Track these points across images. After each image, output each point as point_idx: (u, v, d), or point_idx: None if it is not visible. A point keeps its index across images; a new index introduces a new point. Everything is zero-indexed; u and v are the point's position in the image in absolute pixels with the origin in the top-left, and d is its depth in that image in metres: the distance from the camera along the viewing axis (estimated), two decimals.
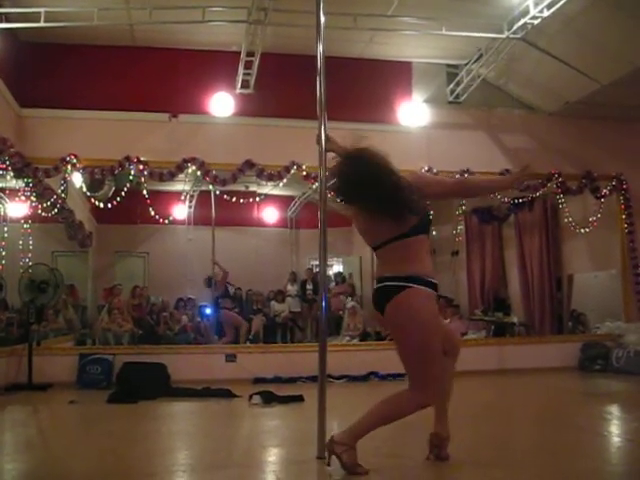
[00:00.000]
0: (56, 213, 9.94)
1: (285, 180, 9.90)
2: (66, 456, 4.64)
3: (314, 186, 10.10)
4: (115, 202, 9.75)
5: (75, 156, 9.16)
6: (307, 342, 11.57)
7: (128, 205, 9.90)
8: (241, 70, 9.80)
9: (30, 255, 9.21)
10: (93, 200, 9.93)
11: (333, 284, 13.46)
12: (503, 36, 9.14)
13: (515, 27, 8.89)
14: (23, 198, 9.25)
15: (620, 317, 10.53)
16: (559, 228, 12.05)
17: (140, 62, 10.05)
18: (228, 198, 10.76)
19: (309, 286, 13.13)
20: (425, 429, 4.08)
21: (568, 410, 6.50)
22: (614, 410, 6.53)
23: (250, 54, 9.50)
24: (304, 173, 9.70)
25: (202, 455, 4.60)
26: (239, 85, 10.04)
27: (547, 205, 12.07)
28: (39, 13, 8.29)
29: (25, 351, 8.21)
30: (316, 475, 3.91)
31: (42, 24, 8.32)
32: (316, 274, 12.62)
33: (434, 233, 11.33)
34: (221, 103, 9.97)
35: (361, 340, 10.71)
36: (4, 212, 9.88)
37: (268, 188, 11.53)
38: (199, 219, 13.55)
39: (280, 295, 13.09)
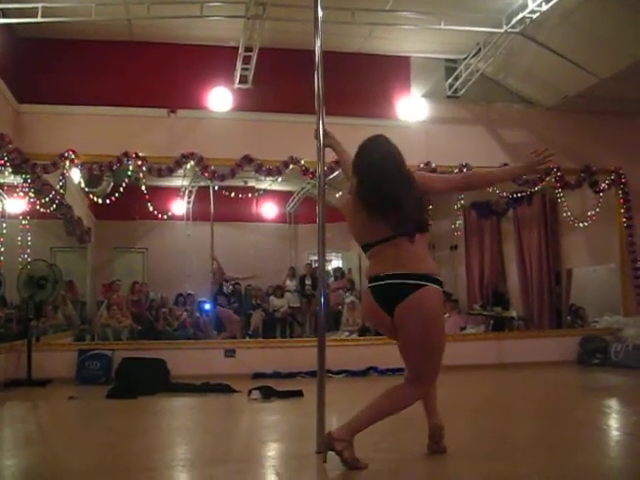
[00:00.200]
0: (55, 209, 9.94)
1: (284, 175, 9.90)
2: (65, 452, 4.64)
3: (313, 181, 10.10)
4: (114, 198, 9.75)
5: (73, 152, 9.15)
6: (306, 337, 11.58)
7: (127, 201, 9.89)
8: (239, 65, 9.78)
9: (29, 251, 9.20)
10: (91, 196, 9.91)
11: (332, 279, 13.47)
12: (501, 30, 9.12)
13: (514, 21, 8.87)
14: (21, 194, 9.24)
15: (619, 311, 10.54)
16: (558, 222, 12.05)
17: (138, 57, 10.03)
18: (227, 193, 10.77)
19: (308, 281, 13.14)
20: (423, 424, 4.10)
21: (567, 404, 6.52)
22: (613, 404, 6.55)
23: (248, 49, 9.47)
24: (303, 168, 9.69)
25: (201, 450, 4.61)
26: (237, 80, 10.01)
27: (546, 199, 12.06)
28: (36, 8, 8.26)
29: (24, 347, 8.21)
30: (315, 470, 3.92)
31: (39, 19, 8.29)
32: (315, 269, 12.64)
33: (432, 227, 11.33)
34: (219, 98, 9.95)
35: (360, 335, 10.71)
36: (2, 208, 9.86)
37: (267, 183, 11.54)
38: (198, 215, 13.56)
39: (279, 290, 13.11)
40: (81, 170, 9.48)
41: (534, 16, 8.59)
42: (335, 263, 15.02)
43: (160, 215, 10.17)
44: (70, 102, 9.39)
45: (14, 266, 9.07)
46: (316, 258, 4.67)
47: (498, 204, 12.76)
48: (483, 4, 8.96)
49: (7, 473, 3.88)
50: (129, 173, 9.42)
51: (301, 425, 5.35)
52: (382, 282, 3.70)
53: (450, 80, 10.74)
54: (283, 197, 14.41)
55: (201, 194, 12.96)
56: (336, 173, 9.09)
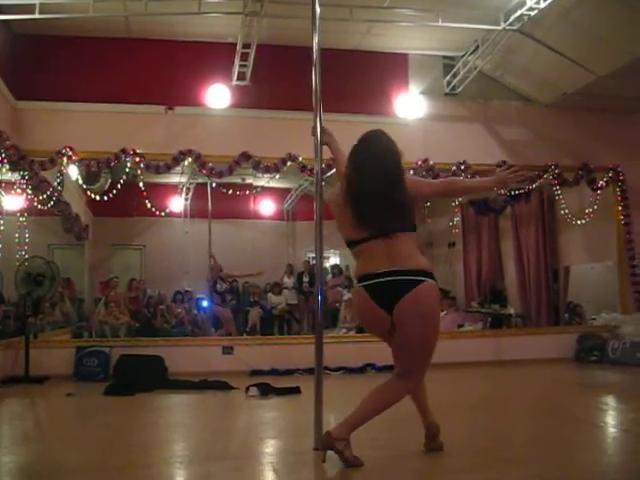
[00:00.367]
0: (52, 206, 9.92)
1: (281, 172, 9.89)
2: (63, 449, 4.65)
3: (310, 178, 10.09)
4: (111, 195, 9.72)
5: (71, 149, 9.14)
6: (304, 334, 11.59)
7: (124, 198, 9.89)
8: (237, 62, 9.76)
9: (26, 248, 9.18)
10: (89, 193, 9.90)
11: (330, 276, 13.47)
12: (499, 28, 9.12)
13: (512, 18, 8.87)
14: (19, 191, 9.22)
15: (616, 308, 10.55)
16: (555, 220, 12.07)
17: (136, 54, 10.01)
18: (224, 190, 10.76)
19: (306, 278, 13.15)
20: (419, 421, 4.09)
21: (564, 401, 6.53)
22: (610, 401, 6.55)
23: (246, 46, 9.46)
24: (300, 165, 9.68)
25: (199, 447, 4.61)
26: (235, 77, 10.00)
27: (543, 197, 12.08)
28: (34, 5, 8.23)
29: (22, 344, 8.21)
30: (313, 466, 3.92)
31: (37, 16, 8.27)
32: (313, 266, 12.62)
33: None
34: (217, 95, 9.93)
35: (358, 332, 10.69)
36: (0, 205, 9.85)
37: (264, 180, 11.52)
38: (195, 211, 13.55)
39: (277, 287, 13.11)
40: (79, 167, 9.48)
41: (532, 13, 8.59)
42: (333, 260, 15.00)
43: (158, 212, 10.15)
44: (68, 99, 9.37)
45: (12, 263, 9.06)
46: (314, 255, 4.67)
47: (496, 201, 12.74)
48: (481, 1, 8.96)
49: (5, 470, 3.88)
50: (127, 170, 9.42)
51: (299, 422, 5.35)
52: (381, 279, 3.68)
53: (448, 77, 10.74)
54: (281, 194, 14.40)
55: (199, 191, 12.95)
56: (334, 170, 9.05)
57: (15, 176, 9.16)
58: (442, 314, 11.43)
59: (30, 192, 9.29)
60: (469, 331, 10.70)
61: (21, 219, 9.26)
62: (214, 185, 10.75)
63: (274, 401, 6.70)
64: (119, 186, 9.57)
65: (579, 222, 10.70)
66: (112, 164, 9.32)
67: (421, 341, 3.68)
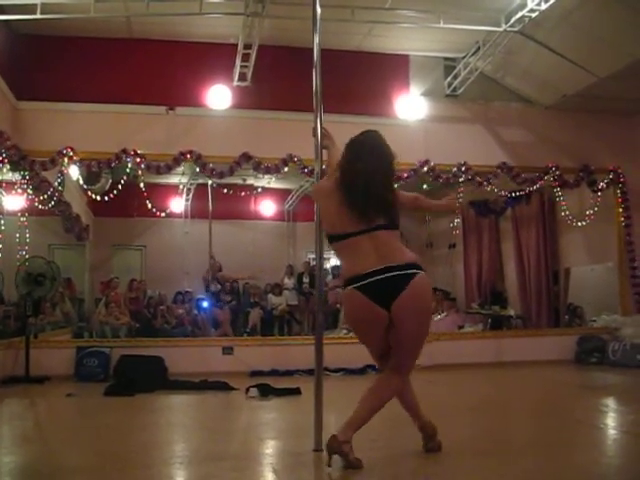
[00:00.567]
0: (53, 206, 9.92)
1: (282, 173, 9.89)
2: (63, 449, 4.65)
3: (311, 179, 10.07)
4: (112, 195, 9.72)
5: (72, 149, 9.14)
6: (304, 335, 11.57)
7: (125, 198, 9.90)
8: (238, 62, 9.77)
9: (27, 248, 9.19)
10: (90, 193, 9.90)
11: (330, 277, 13.46)
12: (501, 29, 9.12)
13: (513, 20, 8.87)
14: (20, 191, 9.22)
15: (616, 310, 10.55)
16: (556, 221, 12.06)
17: (137, 54, 10.03)
18: (225, 191, 10.75)
19: (306, 279, 13.14)
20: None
21: (564, 403, 6.52)
22: (610, 403, 6.56)
23: (247, 46, 9.46)
24: (301, 166, 9.68)
25: (199, 447, 4.61)
26: (236, 78, 10.01)
27: (544, 198, 12.07)
28: (35, 5, 8.24)
29: (22, 344, 8.21)
30: (312, 467, 3.92)
31: (38, 16, 8.27)
32: (313, 267, 12.63)
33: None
34: (218, 96, 9.93)
35: None
36: (1, 205, 9.85)
37: (265, 181, 11.52)
38: (196, 212, 13.56)
39: (277, 288, 13.09)
40: (79, 167, 9.49)
41: (533, 15, 8.59)
42: (333, 261, 14.99)
43: (158, 212, 10.15)
44: (69, 99, 9.38)
45: (12, 263, 9.07)
46: (314, 256, 4.67)
47: (496, 203, 12.77)
48: (482, 3, 8.96)
49: (5, 470, 3.88)
50: (128, 170, 9.43)
51: (298, 423, 5.35)
52: (377, 277, 3.64)
53: (449, 79, 10.74)
54: (281, 195, 14.40)
55: (199, 192, 12.95)
56: None
57: (16, 176, 9.16)
58: (442, 315, 11.47)
59: (31, 192, 9.29)
60: (469, 332, 10.70)
61: (22, 219, 9.26)
62: (215, 186, 10.74)
63: (274, 402, 6.70)
64: (120, 186, 9.57)
65: (579, 224, 10.68)
66: (113, 164, 9.32)
67: (419, 334, 3.75)
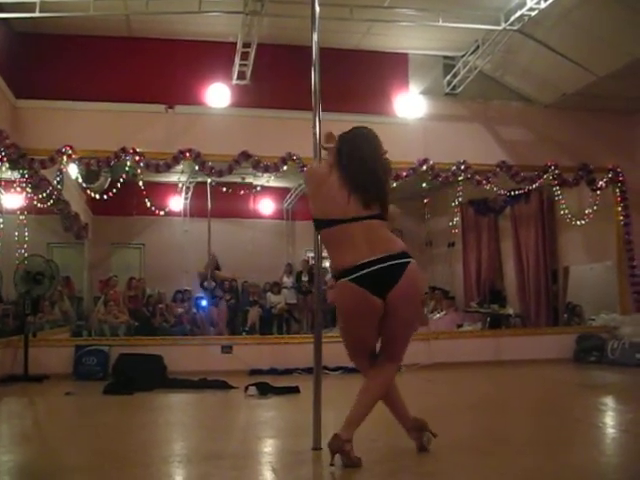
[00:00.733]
0: (52, 204, 9.91)
1: (281, 171, 9.89)
2: (62, 448, 4.65)
3: None
4: (111, 193, 9.72)
5: (71, 147, 9.14)
6: (303, 334, 11.56)
7: (124, 196, 9.89)
8: (237, 61, 9.76)
9: (26, 246, 9.17)
10: (89, 191, 9.90)
11: (329, 276, 13.42)
12: (500, 28, 9.12)
13: (512, 19, 8.86)
14: (19, 189, 9.22)
15: (615, 309, 10.57)
16: (555, 220, 12.05)
17: (136, 53, 10.01)
18: (224, 190, 10.75)
19: (305, 278, 13.11)
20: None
21: (563, 401, 6.53)
22: (609, 401, 6.56)
23: (246, 45, 9.46)
24: (300, 164, 9.67)
25: (198, 446, 4.61)
26: (235, 76, 10.00)
27: (543, 197, 12.07)
28: (34, 3, 8.22)
29: (21, 342, 8.21)
30: (311, 466, 3.92)
31: (37, 14, 8.26)
32: (312, 266, 12.60)
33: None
34: (217, 94, 9.92)
35: None
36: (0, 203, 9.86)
37: (264, 179, 11.51)
38: (195, 211, 13.52)
39: (276, 287, 13.08)
40: (78, 165, 9.48)
41: (532, 14, 8.59)
42: None
43: (157, 211, 10.15)
44: (68, 97, 9.37)
45: (11, 261, 9.06)
46: (313, 255, 4.66)
47: (496, 201, 12.76)
48: (481, 1, 8.96)
49: (4, 469, 3.88)
50: (127, 169, 9.42)
51: (297, 421, 5.35)
52: (373, 268, 3.62)
53: (448, 77, 10.73)
54: (280, 193, 14.37)
55: (199, 190, 12.92)
56: None
57: (15, 174, 9.16)
58: (441, 314, 11.47)
59: (30, 190, 9.28)
60: (468, 331, 10.71)
61: (21, 217, 9.25)
62: (214, 184, 10.73)
63: (273, 400, 6.70)
64: (119, 185, 9.57)
65: (579, 222, 10.70)
66: (112, 163, 9.32)
67: (412, 320, 3.84)
